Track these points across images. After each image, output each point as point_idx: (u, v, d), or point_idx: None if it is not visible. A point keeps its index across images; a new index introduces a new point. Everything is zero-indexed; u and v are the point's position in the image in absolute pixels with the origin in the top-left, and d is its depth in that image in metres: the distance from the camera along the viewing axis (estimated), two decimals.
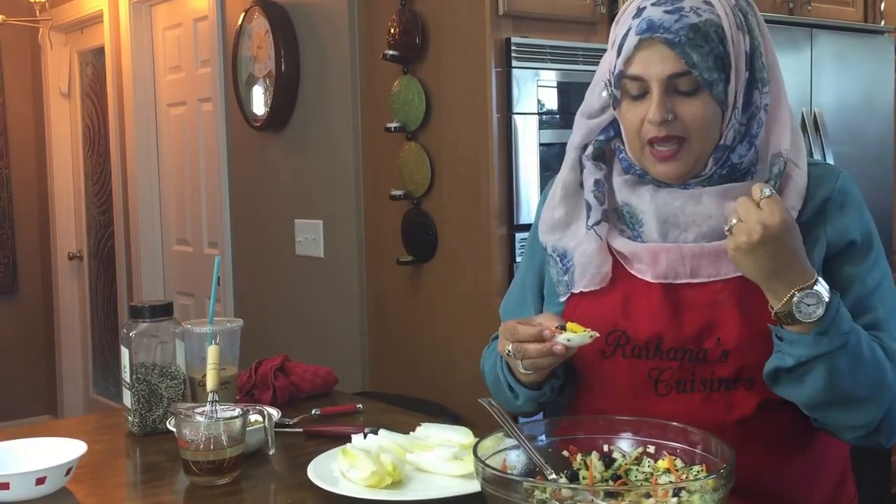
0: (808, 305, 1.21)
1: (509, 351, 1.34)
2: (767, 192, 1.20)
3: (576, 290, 1.42)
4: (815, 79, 3.35)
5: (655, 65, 1.29)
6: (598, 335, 1.31)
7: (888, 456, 3.60)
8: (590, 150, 1.43)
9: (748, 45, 1.32)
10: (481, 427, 1.54)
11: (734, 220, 1.22)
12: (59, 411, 5.40)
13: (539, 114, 2.75)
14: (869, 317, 1.32)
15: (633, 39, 1.30)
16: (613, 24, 1.38)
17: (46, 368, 5.49)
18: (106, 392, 5.18)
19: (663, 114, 1.29)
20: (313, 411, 1.88)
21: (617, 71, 1.33)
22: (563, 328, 1.31)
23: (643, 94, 1.32)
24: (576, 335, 1.30)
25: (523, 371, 1.37)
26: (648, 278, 1.37)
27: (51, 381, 5.48)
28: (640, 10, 1.31)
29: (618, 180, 1.41)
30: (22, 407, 5.28)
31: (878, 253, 1.37)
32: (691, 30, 1.27)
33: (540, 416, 1.72)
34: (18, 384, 5.37)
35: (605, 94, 1.38)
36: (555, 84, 2.78)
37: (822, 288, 1.22)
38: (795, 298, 1.21)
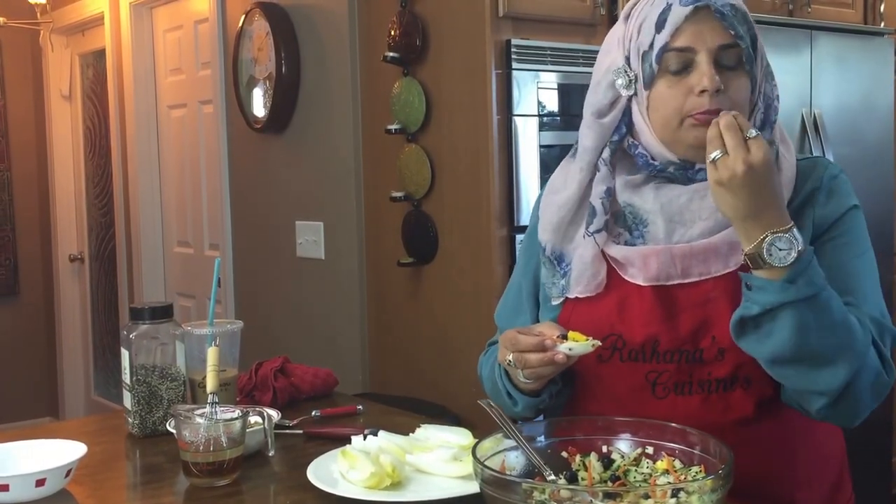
0: (780, 250, 1.20)
1: (510, 361, 1.34)
2: (754, 132, 1.21)
3: (571, 296, 1.42)
4: (814, 80, 3.35)
5: (706, 35, 1.30)
6: (600, 343, 1.30)
7: (889, 457, 3.60)
8: (607, 153, 1.40)
9: (760, 39, 1.36)
10: (482, 428, 1.54)
11: (718, 152, 1.21)
12: (61, 413, 5.40)
13: (539, 115, 2.75)
14: (845, 287, 1.30)
15: (681, 11, 1.30)
16: (625, 20, 1.38)
17: (47, 370, 5.50)
18: (107, 394, 5.19)
19: (718, 83, 1.29)
20: (313, 413, 1.88)
21: (659, 45, 1.32)
22: (565, 337, 1.31)
23: (685, 69, 1.32)
24: (578, 344, 1.30)
25: (524, 380, 1.37)
26: (640, 282, 1.36)
27: (52, 383, 5.49)
28: None
29: (620, 182, 1.40)
30: (23, 409, 5.28)
31: (860, 230, 1.37)
32: (732, 7, 1.31)
33: (540, 417, 1.72)
34: (19, 386, 5.37)
35: (620, 81, 1.36)
36: (555, 86, 2.79)
37: (797, 236, 1.21)
38: (767, 240, 1.20)
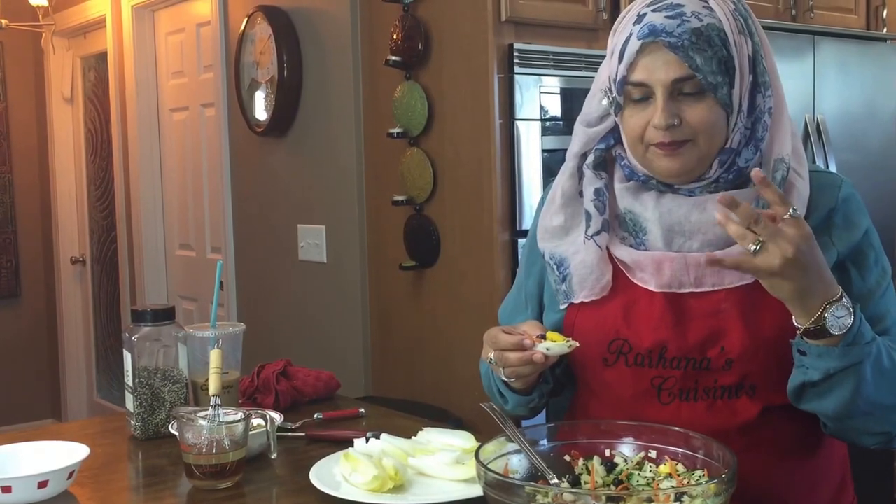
0: (839, 318, 1.20)
1: (491, 358, 1.35)
2: (796, 211, 1.18)
3: (576, 301, 1.42)
4: (817, 86, 3.36)
5: (659, 70, 1.28)
6: (577, 344, 1.32)
7: (891, 461, 3.60)
8: (590, 158, 1.42)
9: (750, 48, 1.31)
10: (484, 432, 1.54)
11: (757, 245, 1.16)
12: (63, 415, 5.41)
13: (541, 120, 2.75)
14: (875, 313, 1.33)
15: (635, 44, 1.29)
16: (612, 33, 1.38)
17: (50, 372, 5.50)
18: (109, 396, 5.20)
19: (669, 118, 1.29)
20: (315, 415, 1.88)
21: (619, 77, 1.32)
22: (544, 337, 1.32)
23: (646, 99, 1.31)
24: (555, 344, 1.31)
25: (505, 379, 1.38)
26: (652, 287, 1.36)
27: (54, 385, 5.49)
28: (640, 17, 1.31)
29: (619, 187, 1.40)
30: (26, 410, 5.29)
31: (879, 250, 1.38)
32: (694, 34, 1.27)
33: (542, 419, 1.73)
34: (22, 388, 5.38)
35: (604, 101, 1.37)
36: (557, 90, 2.79)
37: (848, 300, 1.22)
38: (827, 312, 1.20)
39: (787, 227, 1.17)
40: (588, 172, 1.42)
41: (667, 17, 1.28)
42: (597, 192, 1.41)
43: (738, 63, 1.29)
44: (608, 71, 1.37)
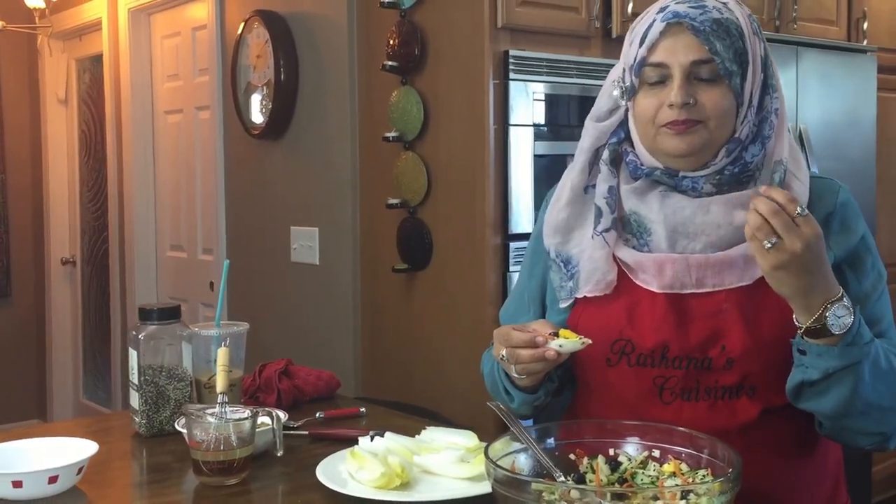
0: (840, 317, 1.23)
1: (503, 356, 1.37)
2: (800, 209, 1.22)
3: (579, 295, 1.44)
4: (800, 96, 3.42)
5: (679, 51, 1.34)
6: (590, 342, 1.34)
7: (869, 466, 3.65)
8: (606, 154, 1.46)
9: (763, 50, 1.39)
10: (478, 432, 1.58)
11: (774, 239, 1.21)
12: (49, 416, 5.39)
13: (534, 125, 2.78)
14: (871, 316, 1.36)
15: (658, 27, 1.36)
16: (629, 31, 1.43)
17: (37, 372, 5.49)
18: (96, 398, 5.18)
19: (685, 97, 1.33)
20: (318, 414, 1.91)
21: (639, 59, 1.37)
22: (556, 335, 1.34)
23: (661, 83, 1.36)
24: (568, 341, 1.33)
25: (516, 376, 1.40)
26: (654, 288, 1.39)
27: (41, 386, 5.47)
28: (663, 8, 1.38)
29: (625, 188, 1.44)
30: (11, 410, 5.26)
31: (875, 256, 1.42)
32: (715, 23, 1.34)
33: (531, 422, 1.75)
34: (9, 388, 5.35)
35: (616, 92, 1.42)
36: (551, 96, 2.82)
37: (847, 298, 1.25)
38: (829, 311, 1.23)
39: (803, 224, 1.21)
40: (604, 168, 1.45)
41: (690, 6, 1.36)
42: (610, 189, 1.44)
43: (751, 58, 1.36)
44: (624, 60, 1.42)
